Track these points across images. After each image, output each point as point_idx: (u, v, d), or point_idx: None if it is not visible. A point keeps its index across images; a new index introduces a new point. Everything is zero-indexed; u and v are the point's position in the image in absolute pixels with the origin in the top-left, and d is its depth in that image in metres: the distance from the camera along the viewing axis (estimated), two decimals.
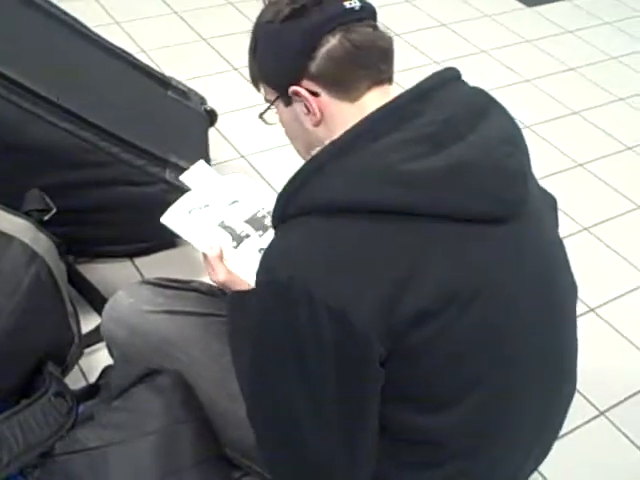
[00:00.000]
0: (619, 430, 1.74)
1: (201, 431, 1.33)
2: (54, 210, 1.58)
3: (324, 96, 1.10)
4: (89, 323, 1.71)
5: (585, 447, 1.68)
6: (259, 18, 1.15)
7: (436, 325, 1.00)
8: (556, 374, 1.20)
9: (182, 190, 1.49)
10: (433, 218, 1.00)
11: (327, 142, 1.06)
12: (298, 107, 1.12)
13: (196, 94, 2.30)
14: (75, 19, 2.16)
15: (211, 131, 2.31)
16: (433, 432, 1.07)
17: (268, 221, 1.39)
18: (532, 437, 1.20)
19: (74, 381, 1.60)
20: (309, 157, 1.08)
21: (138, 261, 2.02)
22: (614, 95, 3.01)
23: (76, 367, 1.64)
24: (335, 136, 1.05)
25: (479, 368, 1.06)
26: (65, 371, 1.53)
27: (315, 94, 1.09)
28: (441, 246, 1.01)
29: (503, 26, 3.42)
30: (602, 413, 1.77)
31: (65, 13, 2.14)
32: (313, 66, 1.07)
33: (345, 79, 1.09)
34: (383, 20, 1.15)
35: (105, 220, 1.89)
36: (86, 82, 1.96)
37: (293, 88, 1.10)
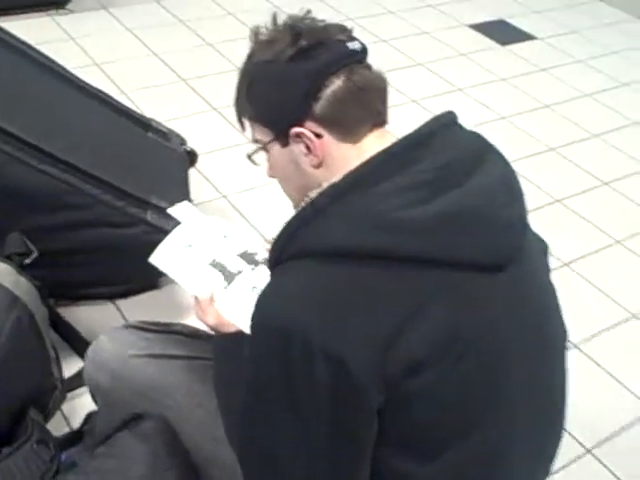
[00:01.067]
0: (606, 467, 1.74)
1: (186, 477, 1.31)
2: (35, 254, 1.58)
3: (327, 137, 1.08)
4: (71, 367, 1.68)
5: None
6: (254, 57, 1.12)
7: (432, 373, 0.98)
8: (549, 416, 1.20)
9: (164, 231, 1.48)
10: (430, 265, 0.99)
11: (325, 184, 1.05)
12: (297, 148, 1.10)
13: (176, 135, 2.30)
14: (54, 61, 2.16)
15: (191, 171, 2.31)
16: (423, 479, 1.06)
17: (259, 257, 1.38)
18: (527, 477, 1.20)
19: (57, 426, 1.58)
20: (302, 200, 1.08)
21: (120, 303, 2.00)
22: (589, 132, 3.06)
23: (58, 412, 1.62)
24: (334, 178, 1.04)
25: (474, 414, 1.05)
26: (47, 416, 1.51)
27: (318, 135, 1.08)
28: (438, 293, 1.00)
29: (478, 64, 3.48)
30: (589, 451, 1.77)
31: (44, 56, 2.14)
32: (317, 107, 1.06)
33: (349, 121, 1.08)
34: None
35: (86, 262, 1.87)
36: (65, 124, 1.96)
37: (297, 130, 1.08)
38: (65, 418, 1.66)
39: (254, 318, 1.03)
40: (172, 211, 1.47)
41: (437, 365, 0.98)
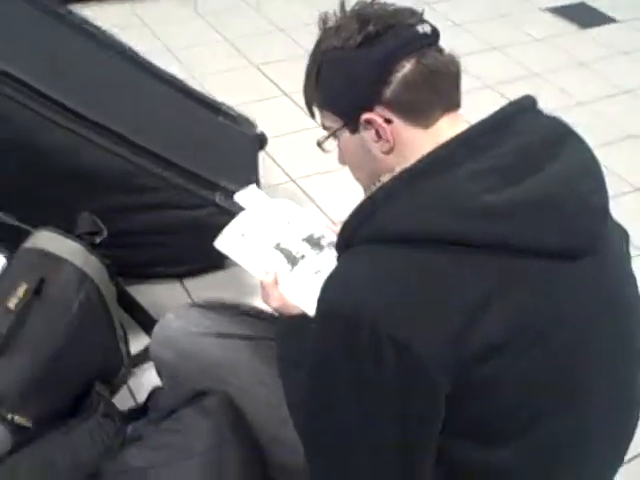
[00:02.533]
0: None
1: (249, 454, 1.32)
2: (105, 233, 1.60)
3: (397, 122, 1.06)
4: (138, 343, 1.71)
5: None
6: (322, 44, 1.11)
7: (504, 361, 0.96)
8: (625, 411, 1.16)
9: (232, 213, 1.48)
10: (506, 252, 0.96)
11: (397, 170, 1.03)
12: (367, 134, 1.08)
13: (246, 119, 2.31)
14: (127, 46, 2.20)
15: (261, 155, 2.32)
16: (492, 467, 1.03)
17: (325, 242, 1.37)
18: (599, 467, 1.16)
19: (122, 400, 1.62)
20: (374, 186, 1.06)
21: (187, 282, 2.03)
22: None
23: (124, 387, 1.65)
24: (407, 164, 1.02)
25: (545, 403, 1.02)
26: (113, 391, 1.54)
27: (388, 121, 1.06)
28: (513, 281, 0.97)
29: (556, 48, 3.39)
30: None
31: (117, 40, 2.18)
32: (388, 92, 1.04)
33: (420, 105, 1.06)
34: None
35: (155, 242, 1.90)
36: (139, 108, 1.99)
37: (367, 116, 1.06)
38: (131, 393, 1.69)
39: (320, 301, 1.01)
40: (238, 197, 1.48)
41: (508, 353, 0.96)
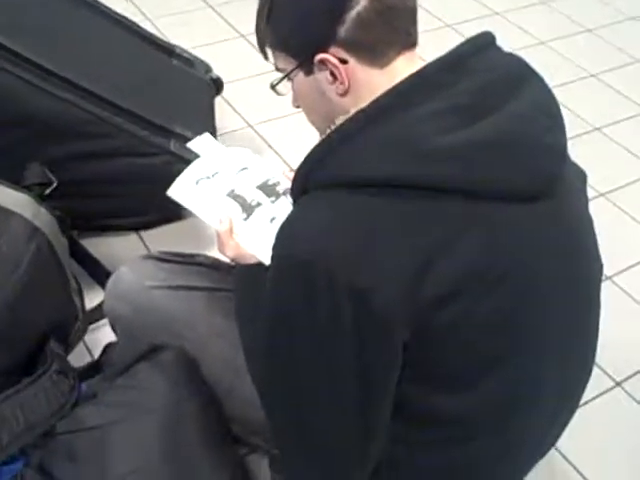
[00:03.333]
0: (635, 401, 1.71)
1: (206, 408, 1.30)
2: (55, 184, 1.56)
3: (353, 63, 1.02)
4: (94, 298, 1.68)
5: (601, 418, 1.65)
6: None
7: (461, 307, 0.95)
8: (581, 353, 1.17)
9: (187, 161, 1.44)
10: (464, 195, 0.95)
11: (353, 111, 1.00)
12: (321, 75, 1.04)
13: (201, 62, 2.25)
14: None
15: (217, 100, 2.26)
16: (452, 413, 1.03)
17: (280, 188, 1.34)
18: (556, 407, 1.17)
19: (79, 357, 1.59)
20: (329, 130, 1.03)
21: (144, 234, 1.99)
22: (633, 57, 2.93)
23: (81, 343, 1.62)
24: (362, 105, 0.99)
25: (503, 348, 1.02)
26: (69, 348, 1.51)
27: (344, 61, 1.02)
28: (470, 224, 0.96)
29: None
30: (618, 384, 1.74)
31: None
32: (342, 31, 1.00)
33: (376, 44, 1.02)
34: None
35: (109, 192, 1.86)
36: (88, 52, 1.92)
37: (321, 56, 1.02)
38: (88, 349, 1.66)
39: (276, 248, 1.00)
40: (192, 144, 1.44)
41: (466, 297, 0.95)
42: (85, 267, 1.74)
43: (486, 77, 1.00)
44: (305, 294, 0.95)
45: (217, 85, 2.23)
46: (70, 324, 1.50)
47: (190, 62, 2.20)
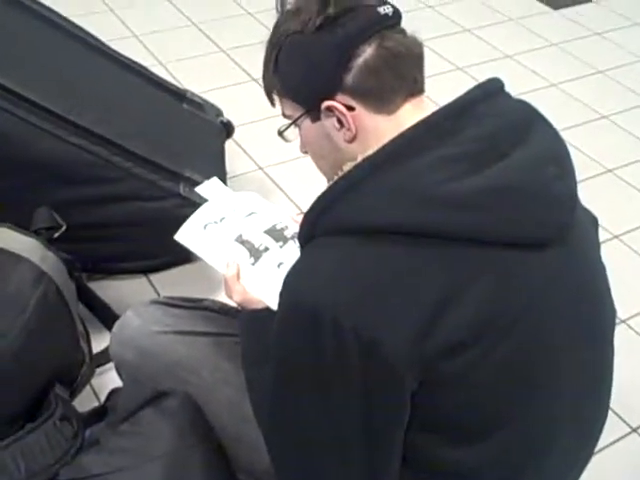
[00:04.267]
0: None
1: (212, 454, 1.28)
2: (64, 227, 1.56)
3: (359, 110, 1.02)
4: (102, 342, 1.67)
5: (617, 464, 1.61)
6: (280, 27, 1.07)
7: (471, 356, 0.93)
8: (596, 398, 1.14)
9: (196, 204, 1.45)
10: (473, 242, 0.93)
11: (360, 157, 1.00)
12: (328, 122, 1.04)
13: (212, 106, 2.27)
14: (87, 32, 2.14)
15: (229, 143, 2.28)
16: (462, 465, 1.01)
17: (288, 233, 1.34)
18: (567, 463, 1.14)
19: (86, 401, 1.58)
20: (336, 176, 1.02)
21: (153, 277, 1.99)
22: None
23: (88, 387, 1.61)
24: (369, 152, 0.98)
25: (513, 400, 1.00)
26: (75, 392, 1.50)
27: (350, 108, 1.02)
28: (479, 274, 0.94)
29: (528, 30, 3.35)
30: (634, 430, 1.70)
31: (77, 27, 2.12)
32: (349, 78, 1.00)
33: (383, 91, 1.02)
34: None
35: (118, 236, 1.86)
36: (98, 96, 1.93)
37: (327, 103, 1.02)
38: (95, 393, 1.65)
39: (283, 295, 0.99)
40: (200, 189, 1.44)
41: (476, 347, 0.93)
42: (93, 311, 1.74)
43: (494, 124, 1.00)
44: (311, 343, 0.94)
45: (228, 129, 2.24)
46: (76, 368, 1.49)
47: (201, 106, 2.22)
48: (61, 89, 1.83)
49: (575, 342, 1.05)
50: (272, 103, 1.13)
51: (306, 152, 1.15)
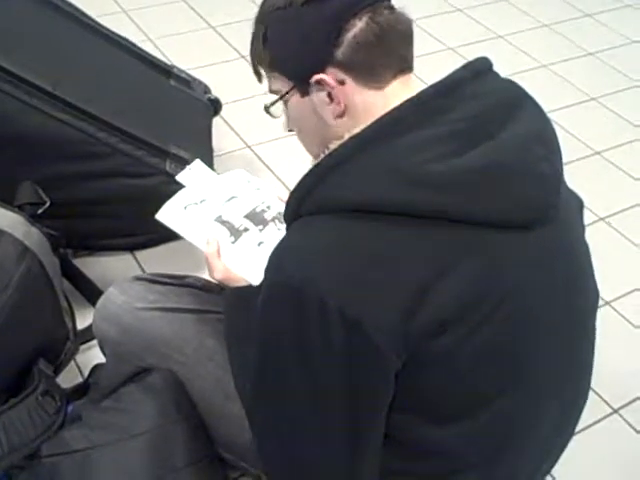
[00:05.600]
0: (632, 427, 1.69)
1: (194, 431, 1.29)
2: (47, 203, 1.55)
3: (349, 84, 1.02)
4: (86, 318, 1.66)
5: (598, 445, 1.62)
6: (268, 2, 1.07)
7: (455, 335, 0.94)
8: (577, 379, 1.16)
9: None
10: (458, 223, 0.94)
11: (347, 136, 1.00)
12: (317, 97, 1.04)
13: (200, 83, 2.25)
14: (75, 7, 2.11)
15: (216, 121, 2.26)
16: (445, 443, 1.02)
17: (268, 215, 1.35)
18: (549, 442, 1.16)
19: (70, 378, 1.57)
20: (322, 155, 1.02)
21: (139, 254, 1.98)
22: (633, 80, 2.93)
23: (72, 363, 1.61)
24: (358, 129, 0.98)
25: (497, 380, 1.01)
26: (59, 368, 1.49)
27: (341, 82, 1.01)
28: (464, 253, 0.94)
29: (519, 10, 3.34)
30: (615, 411, 1.72)
31: (64, 1, 2.10)
32: (339, 52, 1.00)
33: (373, 65, 1.01)
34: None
35: (103, 213, 1.85)
36: (84, 71, 1.91)
37: (318, 77, 1.01)
38: (79, 370, 1.65)
39: (268, 272, 0.99)
40: (181, 177, 1.44)
41: (460, 327, 0.94)
42: (77, 286, 1.73)
43: (482, 103, 1.00)
44: (296, 320, 0.94)
45: (215, 106, 2.22)
46: (60, 344, 1.48)
47: (188, 83, 2.20)
48: (47, 64, 1.81)
49: (558, 323, 1.06)
50: (259, 79, 1.13)
51: (291, 130, 1.15)
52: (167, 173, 1.83)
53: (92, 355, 1.65)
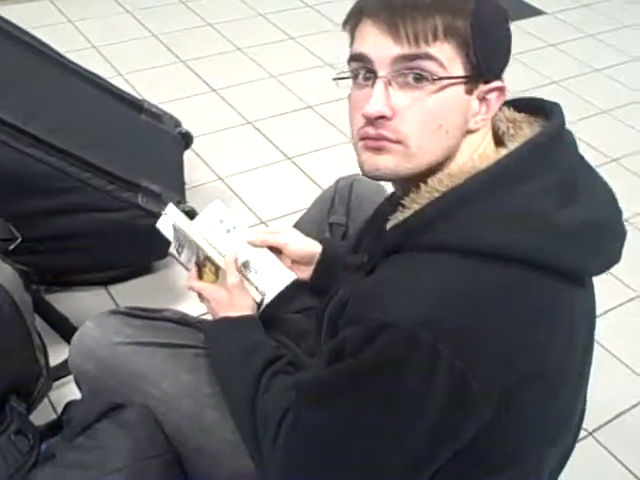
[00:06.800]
0: (607, 450, 1.70)
1: (171, 467, 1.27)
2: (19, 239, 1.54)
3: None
4: (60, 355, 1.65)
5: (573, 469, 1.63)
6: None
7: (536, 390, 0.94)
8: (570, 434, 1.16)
9: (156, 215, 1.44)
10: (553, 274, 0.91)
11: (460, 157, 0.97)
12: (473, 103, 0.96)
13: (171, 117, 2.26)
14: (42, 42, 2.12)
15: (188, 154, 2.27)
16: None
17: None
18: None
19: (44, 415, 1.55)
20: (407, 170, 0.96)
21: (113, 289, 1.97)
22: (598, 108, 2.99)
23: (46, 401, 1.59)
24: (477, 153, 0.97)
25: (547, 434, 1.02)
26: (32, 405, 1.47)
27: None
28: (558, 305, 0.94)
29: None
30: (590, 434, 1.73)
31: (31, 36, 2.10)
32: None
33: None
34: None
35: (76, 247, 1.84)
36: (54, 107, 1.91)
37: (501, 84, 0.96)
38: (53, 407, 1.63)
39: (367, 310, 0.90)
40: (160, 222, 1.41)
41: (540, 382, 0.94)
42: (50, 323, 1.72)
43: (571, 154, 1.00)
44: (401, 360, 0.87)
45: (186, 139, 2.23)
46: (33, 381, 1.46)
47: (159, 117, 2.21)
48: (17, 100, 1.81)
49: (575, 376, 1.06)
50: (417, 40, 0.90)
51: (389, 115, 0.93)
52: (139, 207, 1.83)
53: (65, 392, 1.63)
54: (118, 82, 2.51)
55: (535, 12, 3.68)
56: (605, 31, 3.57)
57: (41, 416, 1.51)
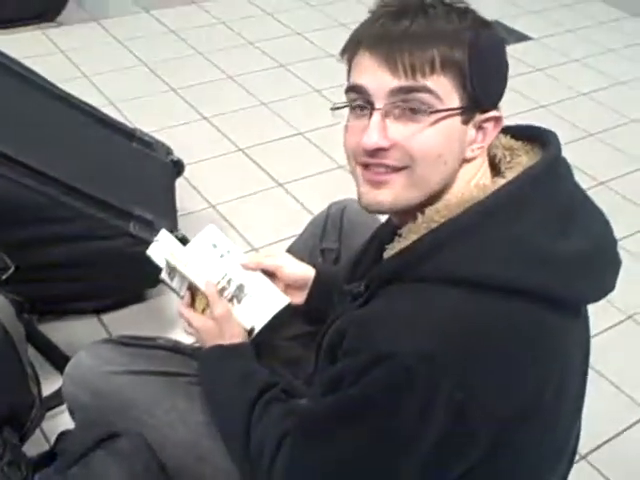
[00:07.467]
0: (601, 474, 1.70)
1: None
2: (12, 269, 1.54)
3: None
4: (52, 385, 1.64)
5: None
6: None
7: (539, 420, 0.94)
8: (564, 462, 1.16)
9: (148, 243, 1.43)
10: (550, 304, 0.92)
11: (457, 186, 0.97)
12: (470, 131, 0.97)
13: (162, 145, 2.27)
14: (34, 73, 2.13)
15: (180, 181, 2.28)
16: None
17: (227, 293, 1.29)
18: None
19: (37, 446, 1.54)
20: (417, 199, 0.96)
21: (105, 317, 1.96)
22: (586, 131, 3.02)
23: (39, 431, 1.58)
24: (473, 181, 0.97)
25: (543, 465, 1.03)
26: (25, 436, 1.46)
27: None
28: (553, 335, 0.94)
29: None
30: (583, 457, 1.73)
31: (24, 67, 2.12)
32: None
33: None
34: None
35: (68, 276, 1.84)
36: (46, 136, 1.93)
37: (498, 114, 0.98)
38: (46, 437, 1.62)
39: (368, 341, 0.90)
40: (152, 249, 1.41)
41: (543, 411, 0.95)
42: (43, 352, 1.72)
43: (568, 182, 1.01)
44: (396, 396, 0.87)
45: (178, 167, 2.24)
46: (26, 411, 1.45)
47: (150, 145, 2.22)
48: (9, 130, 1.82)
49: (571, 410, 1.08)
50: (422, 72, 0.91)
51: (381, 148, 0.94)
52: (131, 235, 1.83)
53: (58, 422, 1.62)
54: (109, 111, 2.52)
55: (522, 38, 3.72)
56: (590, 55, 3.61)
57: (34, 447, 1.50)
